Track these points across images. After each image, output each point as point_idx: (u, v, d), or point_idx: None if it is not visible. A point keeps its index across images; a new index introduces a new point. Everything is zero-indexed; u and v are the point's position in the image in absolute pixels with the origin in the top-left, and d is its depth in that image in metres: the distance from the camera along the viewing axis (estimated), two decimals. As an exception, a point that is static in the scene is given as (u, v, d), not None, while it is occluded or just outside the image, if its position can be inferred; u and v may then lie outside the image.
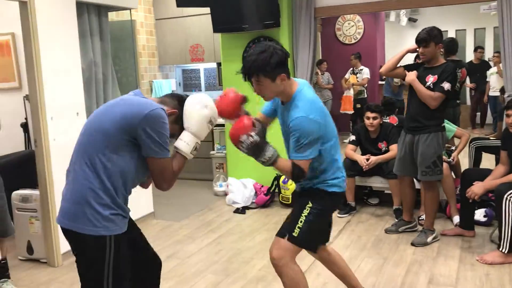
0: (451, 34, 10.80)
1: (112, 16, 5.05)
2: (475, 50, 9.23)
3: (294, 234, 2.34)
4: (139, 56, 6.33)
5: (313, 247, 2.60)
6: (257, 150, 2.21)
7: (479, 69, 8.88)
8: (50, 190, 3.70)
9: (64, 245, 3.82)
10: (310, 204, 2.38)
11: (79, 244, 1.97)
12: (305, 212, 2.37)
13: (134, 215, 4.74)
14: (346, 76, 8.74)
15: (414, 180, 4.13)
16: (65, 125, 3.83)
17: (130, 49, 4.91)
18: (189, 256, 3.87)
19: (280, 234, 2.39)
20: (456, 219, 4.18)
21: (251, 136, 2.17)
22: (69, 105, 3.89)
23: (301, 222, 2.35)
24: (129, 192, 2.04)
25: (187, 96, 2.13)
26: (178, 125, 2.06)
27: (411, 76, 3.75)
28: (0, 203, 3.24)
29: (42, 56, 3.61)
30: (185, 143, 2.03)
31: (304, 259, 3.71)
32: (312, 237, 2.45)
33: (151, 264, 2.28)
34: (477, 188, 3.61)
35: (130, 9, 4.80)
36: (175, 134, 2.07)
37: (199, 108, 2.04)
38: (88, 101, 4.14)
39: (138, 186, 2.18)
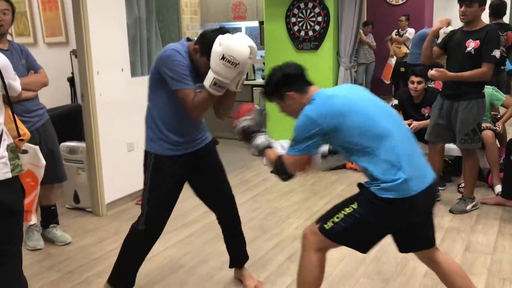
0: (506, -4, 10.21)
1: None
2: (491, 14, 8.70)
3: (325, 226, 2.07)
4: (182, 13, 6.32)
5: (344, 245, 2.16)
6: (246, 136, 2.23)
7: None
8: (96, 142, 3.84)
9: (108, 196, 3.99)
10: (355, 205, 2.03)
11: None
12: (347, 210, 2.04)
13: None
14: (393, 34, 8.52)
15: (455, 146, 4.03)
16: (110, 80, 3.93)
17: (173, 5, 4.92)
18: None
19: (318, 219, 2.15)
20: (498, 188, 4.10)
21: (242, 121, 2.22)
22: (115, 61, 3.98)
23: (337, 218, 2.05)
24: (180, 124, 2.38)
25: (219, 30, 2.29)
26: (204, 58, 2.25)
27: (447, 74, 3.53)
28: (55, 151, 3.42)
29: (89, 11, 3.67)
30: (206, 78, 2.22)
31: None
32: (344, 239, 2.09)
33: (223, 200, 2.69)
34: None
35: (174, -35, 4.78)
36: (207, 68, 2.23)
37: (215, 45, 2.16)
38: (132, 57, 4.21)
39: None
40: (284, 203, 4.16)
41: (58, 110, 4.64)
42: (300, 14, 5.22)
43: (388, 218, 2.04)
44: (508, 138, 4.34)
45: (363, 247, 2.14)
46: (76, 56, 3.98)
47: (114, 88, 3.97)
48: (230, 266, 2.85)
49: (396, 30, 8.44)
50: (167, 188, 2.44)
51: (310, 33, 5.17)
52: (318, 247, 2.11)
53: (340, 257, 3.14)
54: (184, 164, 2.45)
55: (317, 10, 5.12)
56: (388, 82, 8.29)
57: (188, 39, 2.40)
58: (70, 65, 5.01)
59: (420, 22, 8.72)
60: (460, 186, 4.27)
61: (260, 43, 6.59)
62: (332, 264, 3.05)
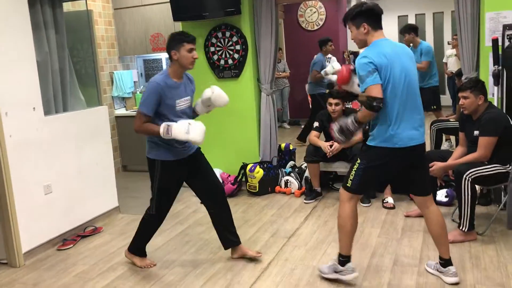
0: (411, 18, 10.96)
1: (68, 6, 4.88)
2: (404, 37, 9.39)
3: (348, 185, 2.89)
4: (98, 47, 6.15)
5: (365, 192, 3.30)
6: (346, 135, 2.85)
7: None
8: (8, 188, 3.57)
9: (25, 244, 3.71)
10: (358, 161, 2.85)
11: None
12: (355, 167, 2.85)
13: (97, 210, 4.65)
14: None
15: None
16: (21, 121, 3.70)
17: (87, 40, 4.76)
18: (156, 249, 3.80)
19: (342, 183, 2.97)
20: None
21: (335, 133, 2.88)
22: (25, 100, 3.75)
23: (351, 175, 2.87)
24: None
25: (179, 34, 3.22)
26: (177, 53, 3.17)
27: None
28: None
29: (-7, 49, 3.46)
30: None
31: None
32: (364, 187, 2.93)
33: (213, 189, 3.40)
34: (436, 170, 3.70)
35: (85, -2, 4.66)
36: None
37: (208, 91, 3.31)
38: (45, 95, 4.01)
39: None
40: (215, 234, 4.06)
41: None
42: (219, 43, 5.25)
43: (383, 161, 2.78)
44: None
45: (378, 187, 3.18)
46: (-19, 97, 3.71)
47: (26, 129, 3.74)
48: (226, 248, 3.52)
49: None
50: (171, 186, 3.28)
51: (230, 61, 5.21)
52: (348, 199, 2.91)
53: (312, 231, 3.27)
54: (184, 165, 3.25)
55: (234, 38, 5.17)
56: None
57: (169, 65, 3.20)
58: (-24, 106, 4.68)
59: (335, 46, 9.07)
60: (384, 201, 4.41)
61: (181, 73, 6.53)
62: (307, 237, 3.50)
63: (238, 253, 3.50)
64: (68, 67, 4.37)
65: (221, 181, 5.19)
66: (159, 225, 3.42)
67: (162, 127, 3.02)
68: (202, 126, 3.08)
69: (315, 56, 7.33)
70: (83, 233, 4.20)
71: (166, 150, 3.15)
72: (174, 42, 3.11)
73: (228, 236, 3.47)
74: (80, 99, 4.55)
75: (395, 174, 2.94)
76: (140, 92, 6.74)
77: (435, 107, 6.00)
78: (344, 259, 3.00)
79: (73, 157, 4.22)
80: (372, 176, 2.86)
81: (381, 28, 2.78)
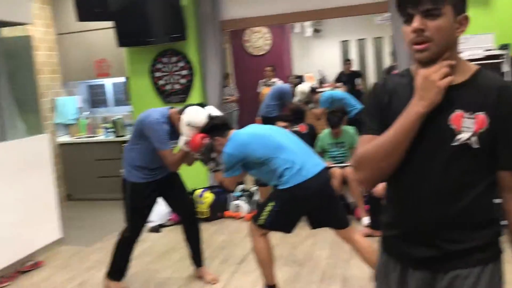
0: (353, 43, 11.37)
1: (6, 32, 4.72)
2: (344, 63, 9.86)
3: (259, 222, 2.97)
4: (40, 73, 5.95)
5: (275, 230, 3.06)
6: (202, 162, 3.21)
7: (350, 79, 9.46)
8: None
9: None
10: (272, 203, 2.94)
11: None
12: (268, 208, 2.94)
13: (38, 243, 4.43)
14: (258, 89, 8.84)
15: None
16: (-46, 151, 3.50)
17: (27, 66, 4.61)
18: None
19: (253, 217, 3.06)
20: (365, 220, 4.36)
21: (196, 155, 3.15)
22: (-42, 130, 3.57)
23: (264, 214, 2.95)
24: (151, 162, 3.30)
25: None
26: None
27: None
28: None
29: None
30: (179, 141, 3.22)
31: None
32: (274, 226, 2.98)
33: (183, 211, 3.62)
34: (380, 190, 3.79)
35: (24, 24, 4.52)
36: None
37: (182, 117, 3.15)
38: (-20, 124, 3.83)
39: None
40: (164, 263, 3.98)
41: None
42: (165, 69, 5.23)
43: (295, 203, 2.89)
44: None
45: (289, 229, 3.02)
46: None
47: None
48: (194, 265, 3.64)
49: (263, 81, 8.84)
50: (141, 206, 3.38)
51: (177, 86, 5.19)
52: (260, 234, 2.99)
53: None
54: (154, 187, 3.34)
55: (181, 64, 5.17)
56: None
57: (171, 107, 3.32)
58: None
59: (281, 71, 9.27)
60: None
61: (126, 98, 6.43)
62: None
63: (198, 273, 3.61)
64: (7, 95, 4.20)
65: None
66: (135, 245, 3.44)
67: (181, 143, 3.18)
68: (193, 108, 3.18)
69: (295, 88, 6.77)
70: (21, 268, 3.98)
71: (137, 172, 3.31)
72: (190, 124, 3.13)
73: (192, 255, 3.62)
74: (19, 127, 4.37)
75: (309, 211, 3.01)
76: (86, 118, 6.57)
77: None
78: None
79: (10, 188, 4.02)
80: (285, 218, 2.95)
81: (228, 129, 3.09)
